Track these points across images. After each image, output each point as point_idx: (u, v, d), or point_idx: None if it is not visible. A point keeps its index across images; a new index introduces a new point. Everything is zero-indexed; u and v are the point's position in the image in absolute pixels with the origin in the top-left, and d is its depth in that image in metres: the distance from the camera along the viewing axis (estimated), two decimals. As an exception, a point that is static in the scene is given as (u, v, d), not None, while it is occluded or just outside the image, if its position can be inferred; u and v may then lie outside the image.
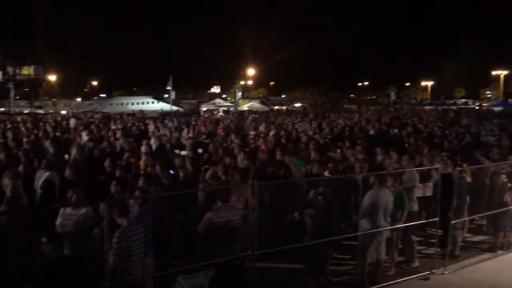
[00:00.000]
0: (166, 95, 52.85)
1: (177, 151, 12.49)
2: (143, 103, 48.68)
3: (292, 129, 18.83)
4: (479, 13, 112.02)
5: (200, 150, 12.57)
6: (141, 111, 34.19)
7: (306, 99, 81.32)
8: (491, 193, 8.92)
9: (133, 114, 30.77)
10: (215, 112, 39.25)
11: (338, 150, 12.11)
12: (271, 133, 16.84)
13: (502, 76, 69.30)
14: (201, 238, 6.02)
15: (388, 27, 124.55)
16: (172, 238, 6.27)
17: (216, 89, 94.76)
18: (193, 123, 22.75)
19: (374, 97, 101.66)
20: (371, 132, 17.97)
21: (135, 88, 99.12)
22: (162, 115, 31.60)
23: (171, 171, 9.12)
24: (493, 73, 73.41)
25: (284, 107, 52.42)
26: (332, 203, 7.00)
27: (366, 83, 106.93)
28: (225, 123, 23.65)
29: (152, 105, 48.06)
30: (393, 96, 70.52)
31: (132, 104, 47.97)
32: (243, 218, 6.19)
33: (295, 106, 59.07)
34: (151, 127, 19.12)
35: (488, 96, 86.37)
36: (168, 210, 5.96)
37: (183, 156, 10.48)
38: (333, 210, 7.01)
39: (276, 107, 51.47)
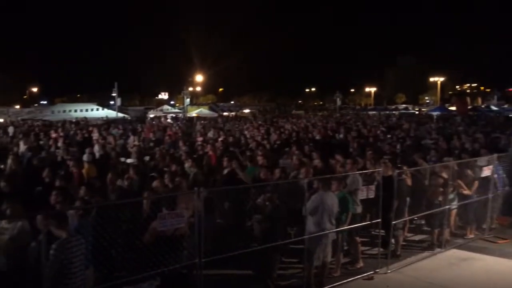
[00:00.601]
0: (111, 102, 51.34)
1: (122, 159, 12.19)
2: (87, 110, 46.98)
3: (240, 135, 18.89)
4: (418, 23, 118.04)
5: (147, 158, 12.34)
6: (85, 119, 33.01)
7: (254, 105, 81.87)
8: (428, 194, 9.33)
9: (76, 121, 29.60)
10: (162, 119, 38.58)
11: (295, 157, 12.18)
12: (220, 139, 16.81)
13: (439, 82, 73.25)
14: (147, 247, 5.88)
15: (334, 36, 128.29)
16: (116, 249, 6.10)
17: (164, 96, 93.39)
18: (140, 130, 22.30)
19: (321, 102, 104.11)
20: (317, 137, 18.36)
21: (78, 95, 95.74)
22: (107, 123, 30.67)
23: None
24: (431, 79, 77.49)
25: (233, 113, 52.46)
26: (278, 208, 7.06)
27: (313, 89, 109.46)
28: (173, 129, 23.34)
29: (97, 112, 46.51)
30: (338, 102, 72.49)
31: (75, 111, 46.13)
32: (190, 226, 6.12)
33: (244, 112, 59.29)
34: (95, 135, 18.50)
35: (427, 101, 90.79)
36: (112, 220, 5.78)
37: (128, 164, 10.24)
38: (280, 215, 7.08)
39: (225, 113, 51.42)
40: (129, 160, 12.03)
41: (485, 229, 10.14)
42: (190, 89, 58.55)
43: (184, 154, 11.50)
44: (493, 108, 58.85)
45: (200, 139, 17.36)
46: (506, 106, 65.03)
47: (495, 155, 10.04)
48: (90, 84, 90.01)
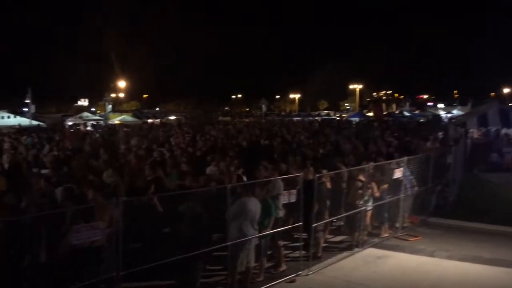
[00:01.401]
0: (25, 109, 48.06)
1: (35, 170, 11.47)
2: (-3, 117, 43.64)
3: (166, 142, 18.53)
4: (337, 31, 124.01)
5: (65, 168, 11.70)
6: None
7: (180, 111, 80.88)
8: (347, 196, 9.78)
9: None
10: (81, 127, 36.83)
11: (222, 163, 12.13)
12: (143, 146, 16.38)
13: (357, 89, 77.26)
14: (61, 262, 5.57)
15: (259, 43, 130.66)
16: (28, 266, 5.70)
17: (84, 102, 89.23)
18: (57, 138, 21.10)
19: (247, 109, 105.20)
20: (243, 144, 18.52)
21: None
22: (19, 131, 28.67)
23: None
24: (350, 87, 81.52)
25: (158, 120, 51.36)
26: (201, 216, 7.02)
27: (239, 96, 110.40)
28: (94, 137, 22.35)
29: (8, 120, 43.31)
30: (264, 108, 73.84)
31: (-16, 119, 42.68)
32: (108, 237, 5.89)
33: (169, 119, 58.31)
34: (5, 144, 17.20)
35: (347, 107, 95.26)
36: (22, 236, 5.40)
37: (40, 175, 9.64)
38: (202, 222, 7.03)
39: (149, 120, 50.21)
40: (44, 171, 11.36)
41: (398, 227, 10.83)
42: (113, 95, 56.62)
43: (103, 163, 11.06)
44: (406, 113, 63.23)
45: (123, 147, 16.81)
46: (417, 112, 70.19)
47: (405, 158, 10.77)
48: (1, 89, 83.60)
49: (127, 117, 48.58)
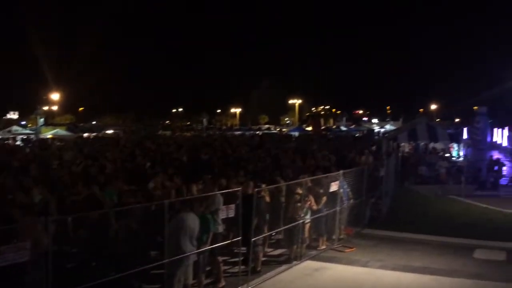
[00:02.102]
0: None
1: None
2: None
3: (102, 157, 17.89)
4: (276, 46, 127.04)
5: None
6: None
7: (119, 125, 78.57)
8: (285, 209, 9.94)
9: None
10: (10, 141, 34.72)
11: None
12: (77, 161, 15.73)
13: (296, 104, 79.24)
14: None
15: (200, 57, 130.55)
16: None
17: (13, 115, 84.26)
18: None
19: (188, 123, 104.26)
20: (184, 159, 18.30)
21: None
22: None
23: None
24: (290, 101, 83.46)
25: (94, 134, 49.57)
26: (137, 232, 6.84)
27: (180, 109, 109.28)
28: (24, 152, 21.15)
29: None
30: (205, 122, 73.52)
31: None
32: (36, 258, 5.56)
33: (107, 133, 56.44)
34: None
35: (287, 122, 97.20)
36: None
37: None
38: (139, 239, 6.86)
39: (85, 134, 48.30)
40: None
41: (335, 239, 11.15)
42: (45, 108, 54.00)
43: (32, 180, 10.48)
44: (343, 128, 65.57)
45: (55, 162, 16.05)
46: (353, 126, 73.02)
47: (341, 172, 11.15)
48: None
49: (60, 131, 46.36)
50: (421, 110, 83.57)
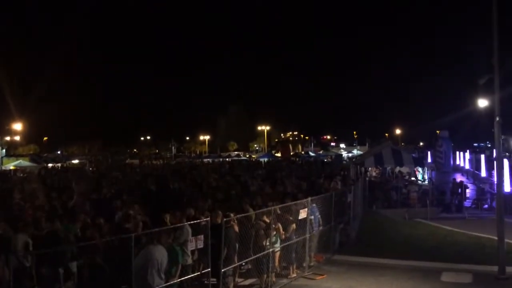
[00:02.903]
0: None
1: None
2: None
3: (67, 189, 17.39)
4: (246, 74, 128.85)
5: None
6: None
7: (84, 155, 76.87)
8: (255, 238, 9.87)
9: None
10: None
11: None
12: (41, 195, 15.21)
13: (265, 130, 79.92)
14: None
15: (168, 84, 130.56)
16: None
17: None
18: None
19: (156, 151, 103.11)
20: (152, 188, 18.01)
21: None
22: None
23: None
24: (259, 128, 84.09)
25: (59, 164, 48.21)
26: (101, 268, 6.65)
27: (148, 137, 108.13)
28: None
29: None
30: (174, 150, 72.96)
31: None
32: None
33: (72, 163, 55.03)
34: None
35: (256, 148, 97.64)
36: None
37: None
38: (104, 275, 6.65)
39: (50, 165, 46.93)
40: None
41: (305, 267, 11.12)
42: (7, 138, 52.36)
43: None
44: (311, 153, 66.33)
45: (19, 196, 15.49)
46: (321, 152, 74.03)
47: (309, 199, 11.23)
48: None
49: (23, 162, 44.92)
50: (386, 134, 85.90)
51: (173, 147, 73.50)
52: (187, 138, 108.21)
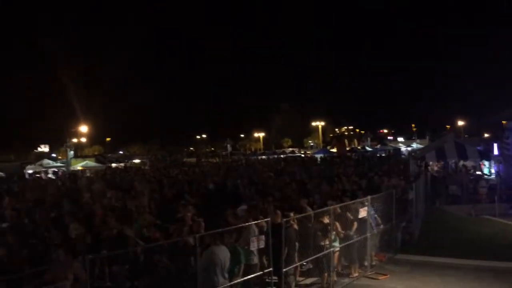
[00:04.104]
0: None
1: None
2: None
3: (132, 189, 18.16)
4: (298, 69, 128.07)
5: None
6: None
7: (144, 154, 79.84)
8: (314, 238, 9.86)
9: None
10: (42, 175, 35.69)
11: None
12: (108, 194, 16.00)
13: (320, 126, 79.06)
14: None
15: (222, 81, 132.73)
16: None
17: (44, 148, 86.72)
18: (16, 189, 20.34)
19: (212, 149, 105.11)
20: (210, 187, 18.43)
21: None
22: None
23: None
24: (313, 124, 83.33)
25: (122, 164, 50.43)
26: (167, 268, 6.92)
27: (204, 136, 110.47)
28: (55, 185, 21.70)
29: (-37, 170, 41.40)
30: (229, 148, 74.01)
31: None
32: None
33: (134, 162, 57.41)
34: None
35: (311, 144, 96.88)
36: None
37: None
38: (170, 274, 6.93)
39: (113, 165, 49.23)
40: (4, 225, 10.96)
41: (367, 266, 10.95)
42: (74, 140, 55.44)
43: (67, 215, 10.75)
44: (368, 148, 64.81)
45: (87, 195, 16.36)
46: (378, 146, 72.13)
47: (369, 197, 11.02)
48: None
49: (90, 163, 47.39)
50: (447, 126, 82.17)
51: (228, 145, 74.42)
52: (242, 135, 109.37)
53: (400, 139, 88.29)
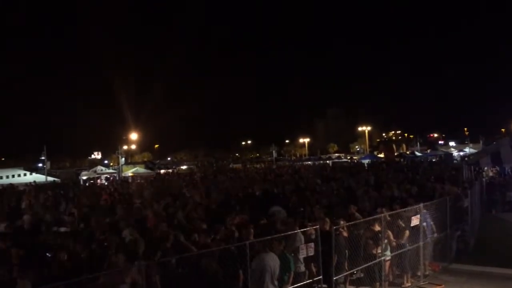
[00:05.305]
0: (39, 165, 48.78)
1: (54, 228, 11.58)
2: (13, 176, 43.99)
3: (181, 195, 18.55)
4: (343, 75, 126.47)
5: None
6: (11, 185, 30.89)
7: (191, 160, 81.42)
8: (365, 246, 9.68)
9: (1, 189, 27.69)
10: (98, 180, 37.17)
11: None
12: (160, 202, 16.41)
13: (366, 131, 77.58)
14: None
15: (268, 91, 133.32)
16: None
17: (97, 155, 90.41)
18: (71, 195, 21.27)
19: (257, 155, 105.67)
20: (257, 193, 18.50)
21: (3, 159, 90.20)
22: (36, 188, 28.98)
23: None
24: (359, 129, 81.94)
25: (170, 170, 51.66)
26: (217, 273, 7.00)
27: (249, 142, 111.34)
28: (108, 191, 22.53)
29: (24, 177, 43.71)
30: (274, 153, 74.11)
31: (1, 178, 43.07)
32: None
33: (181, 169, 58.70)
34: (23, 204, 17.45)
35: (357, 149, 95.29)
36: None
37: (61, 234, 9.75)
38: (219, 279, 7.01)
39: (162, 171, 50.55)
40: (62, 229, 11.49)
41: (420, 276, 10.61)
42: (125, 147, 57.47)
43: (121, 221, 11.13)
44: (417, 153, 62.85)
45: (138, 201, 16.87)
46: (428, 151, 69.83)
47: (421, 205, 10.68)
48: (17, 146, 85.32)
49: (140, 169, 48.90)
50: (503, 130, 78.36)
51: (273, 151, 74.55)
52: (287, 141, 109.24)
53: (452, 143, 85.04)
